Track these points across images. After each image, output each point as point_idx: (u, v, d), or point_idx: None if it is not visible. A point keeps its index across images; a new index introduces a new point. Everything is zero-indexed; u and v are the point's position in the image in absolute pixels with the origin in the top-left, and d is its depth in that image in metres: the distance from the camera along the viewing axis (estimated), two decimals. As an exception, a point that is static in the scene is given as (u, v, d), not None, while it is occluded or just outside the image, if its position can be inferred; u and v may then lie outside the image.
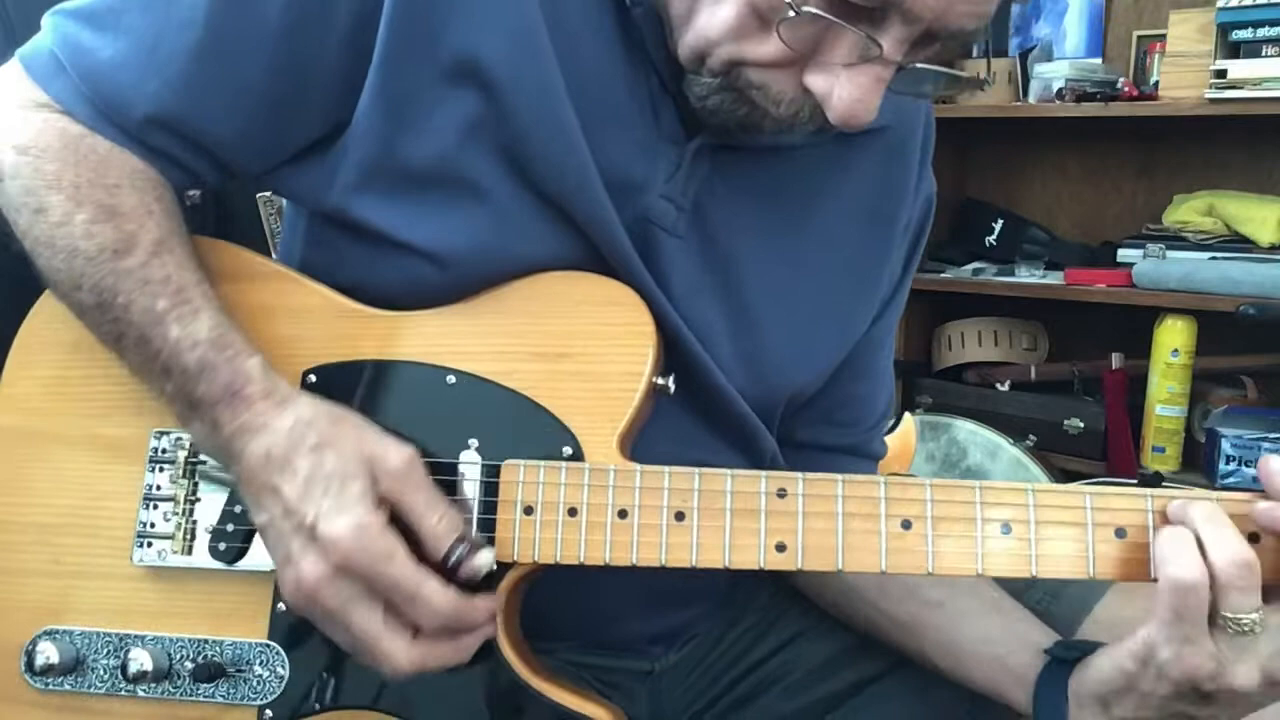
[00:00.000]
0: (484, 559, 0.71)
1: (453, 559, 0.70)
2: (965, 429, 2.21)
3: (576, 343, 0.77)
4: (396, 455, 0.70)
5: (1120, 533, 0.70)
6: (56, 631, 0.77)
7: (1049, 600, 0.87)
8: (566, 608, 0.82)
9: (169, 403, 0.75)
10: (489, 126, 0.78)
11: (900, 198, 0.94)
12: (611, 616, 0.89)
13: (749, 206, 0.86)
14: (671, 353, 0.80)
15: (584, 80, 0.78)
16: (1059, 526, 0.70)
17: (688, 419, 0.83)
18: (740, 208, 0.86)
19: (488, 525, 0.74)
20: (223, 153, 0.81)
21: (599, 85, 0.79)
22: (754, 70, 0.74)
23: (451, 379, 0.77)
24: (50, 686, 0.76)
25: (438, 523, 0.70)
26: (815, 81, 0.72)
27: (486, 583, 0.72)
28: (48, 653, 0.76)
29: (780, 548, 0.71)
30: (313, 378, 0.78)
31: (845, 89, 0.71)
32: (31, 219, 0.77)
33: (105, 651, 0.76)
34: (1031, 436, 2.28)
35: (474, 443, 0.75)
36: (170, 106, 0.78)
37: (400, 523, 0.70)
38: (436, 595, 0.68)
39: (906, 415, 2.06)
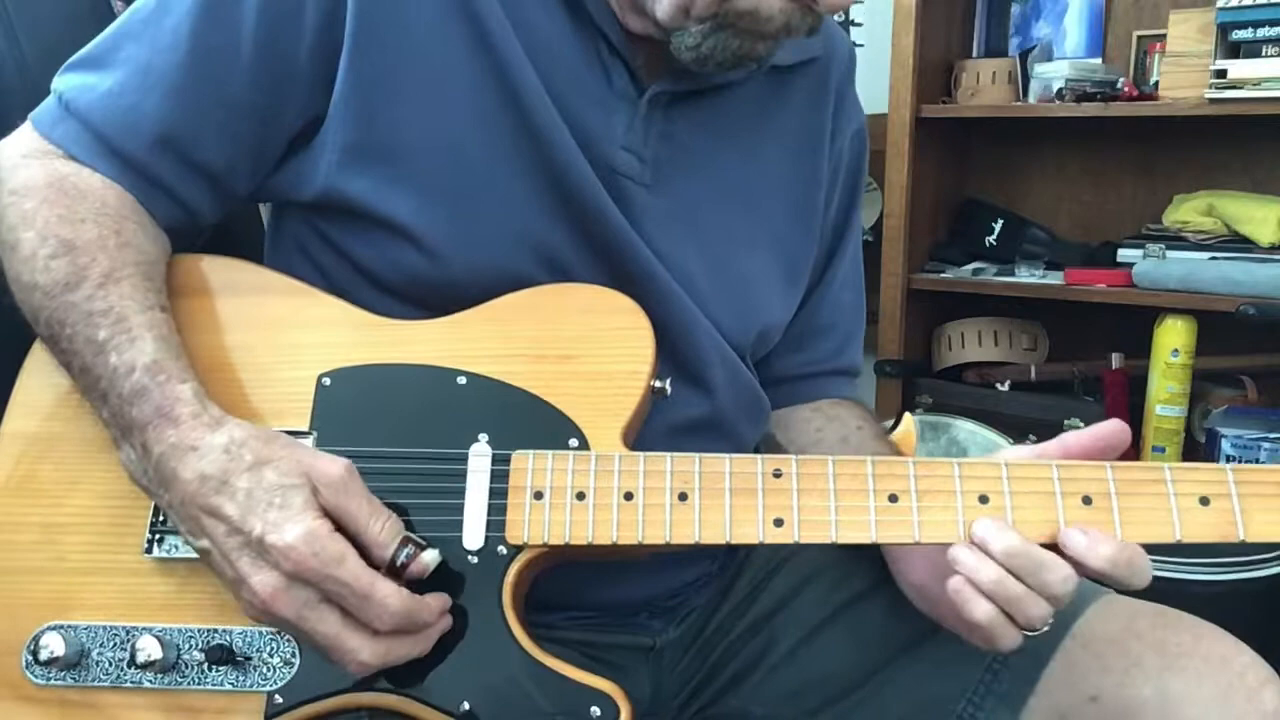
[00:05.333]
0: (430, 556, 0.73)
1: (400, 559, 0.72)
2: (965, 429, 2.21)
3: (581, 346, 0.81)
4: (334, 466, 0.72)
5: (1087, 500, 0.74)
6: (62, 625, 0.77)
7: (991, 677, 0.90)
8: (567, 574, 0.83)
9: (107, 427, 0.77)
10: (463, 95, 0.82)
11: (822, 124, 1.00)
12: (611, 581, 0.91)
13: (702, 149, 0.92)
14: (651, 298, 0.84)
15: (538, 50, 0.83)
16: (1031, 496, 0.75)
17: (677, 381, 0.85)
18: (695, 151, 0.91)
19: (498, 510, 0.77)
20: (217, 170, 0.84)
21: (552, 54, 0.84)
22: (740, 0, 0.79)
23: (462, 380, 0.80)
24: (51, 681, 0.77)
25: (381, 529, 0.72)
26: None
27: (455, 568, 0.75)
28: (52, 645, 0.76)
29: (778, 522, 0.75)
30: (327, 380, 0.81)
31: None
32: (9, 257, 0.79)
33: (111, 644, 0.77)
34: (1031, 436, 2.25)
35: (484, 436, 0.78)
36: (164, 124, 0.82)
37: (343, 534, 0.71)
38: (390, 596, 0.70)
39: (906, 415, 2.05)
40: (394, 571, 0.72)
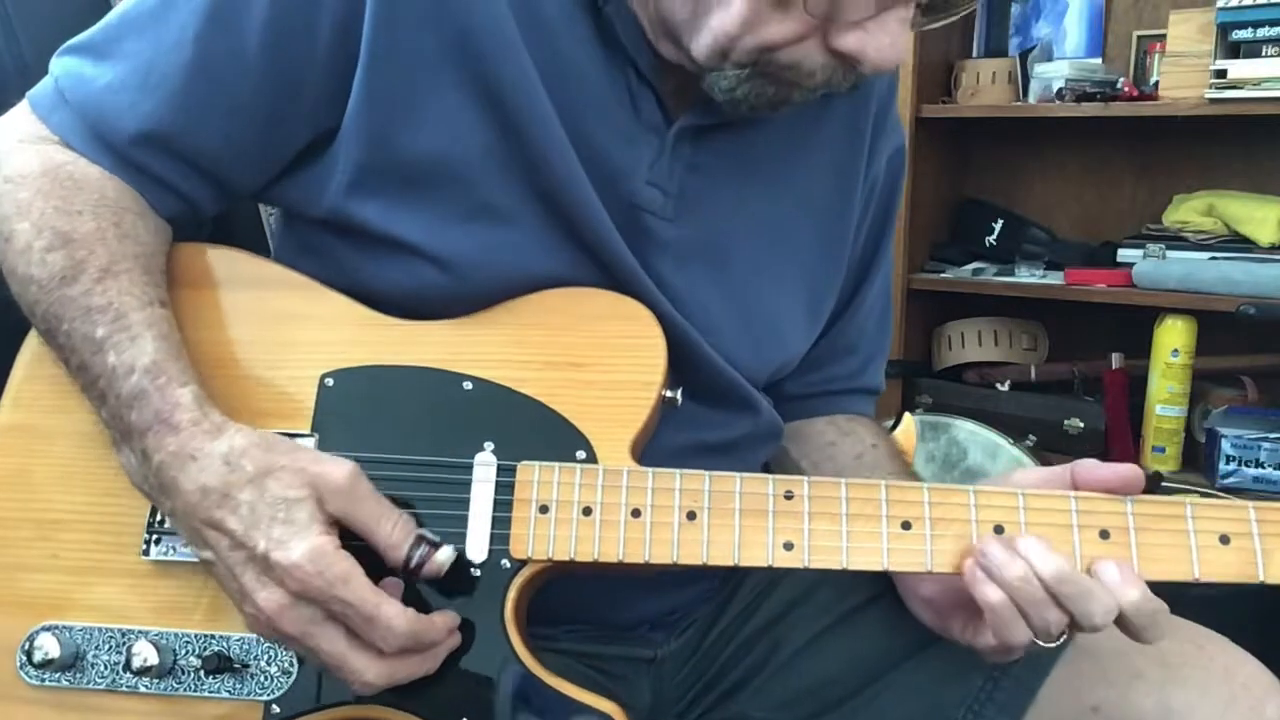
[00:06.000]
0: (445, 555, 0.72)
1: (414, 560, 0.71)
2: (965, 429, 2.21)
3: (591, 353, 0.79)
4: (339, 471, 0.71)
5: (1104, 534, 0.73)
6: (57, 626, 0.77)
7: (992, 685, 0.89)
8: (569, 589, 0.82)
9: (105, 429, 0.76)
10: (475, 123, 0.80)
11: (859, 148, 0.97)
12: (613, 598, 0.90)
13: (732, 180, 0.89)
14: (668, 338, 0.82)
15: (562, 75, 0.81)
16: (1048, 529, 0.73)
17: (689, 402, 0.84)
18: (724, 183, 0.89)
19: (503, 523, 0.75)
20: (219, 169, 0.83)
21: (577, 80, 0.82)
22: (782, 52, 0.76)
23: (468, 385, 0.79)
24: (46, 682, 0.76)
25: (392, 530, 0.71)
26: (846, 42, 0.75)
27: (456, 580, 0.74)
28: (47, 647, 0.75)
29: (788, 546, 0.74)
30: (330, 381, 0.79)
31: (877, 39, 0.74)
32: (3, 248, 0.78)
33: (107, 647, 0.76)
34: (1031, 436, 2.27)
35: (489, 445, 0.77)
36: (163, 124, 0.80)
37: (354, 540, 0.70)
38: (395, 618, 0.69)
39: (906, 415, 2.05)
40: (409, 572, 0.71)
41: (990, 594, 0.71)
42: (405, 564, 0.71)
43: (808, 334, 0.98)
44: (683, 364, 0.85)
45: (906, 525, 0.74)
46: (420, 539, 0.72)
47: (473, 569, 0.75)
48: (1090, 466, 0.75)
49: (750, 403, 0.92)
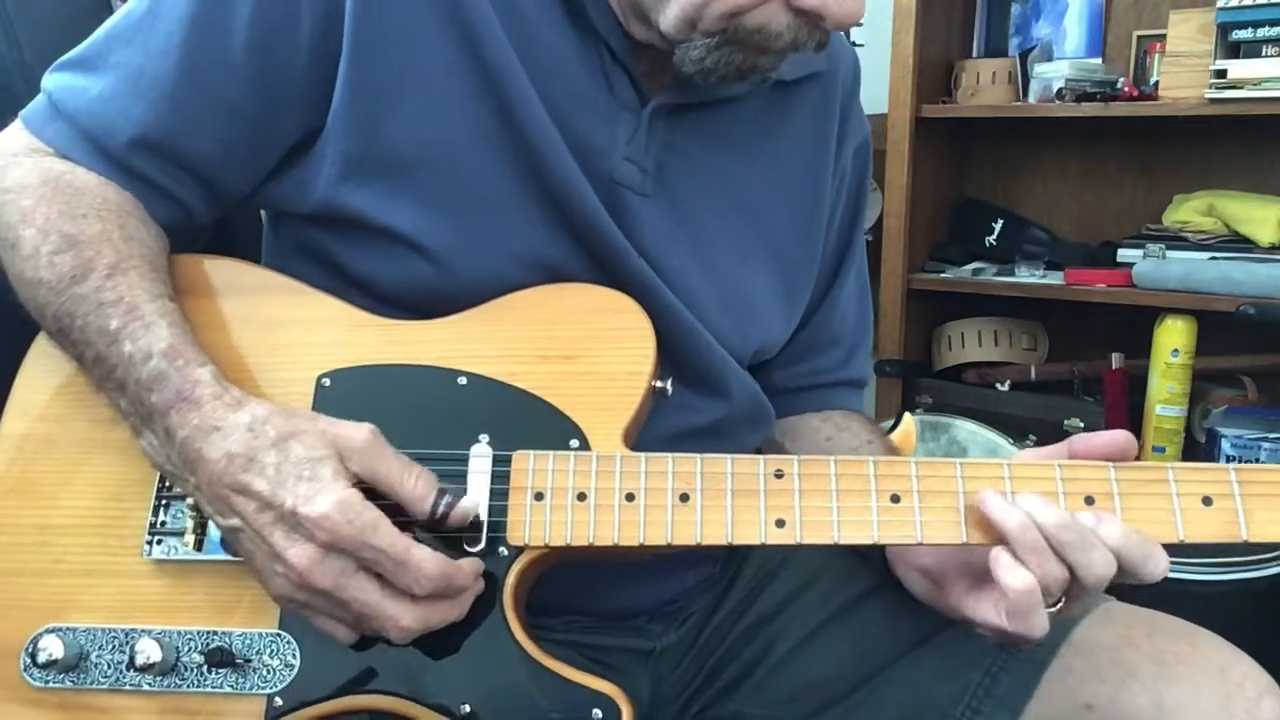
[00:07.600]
0: (469, 502, 0.74)
1: (440, 510, 0.73)
2: (965, 429, 2.21)
3: (581, 346, 0.81)
4: (359, 432, 0.73)
5: (1089, 500, 0.74)
6: (61, 628, 0.77)
7: (990, 681, 0.89)
8: (567, 580, 0.83)
9: (125, 417, 0.77)
10: (466, 105, 0.82)
11: (827, 140, 0.99)
12: (611, 588, 0.91)
13: (706, 160, 0.91)
14: (648, 309, 0.83)
15: (539, 59, 0.83)
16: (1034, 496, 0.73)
17: (679, 386, 0.85)
18: (698, 162, 0.91)
19: (499, 511, 0.76)
20: (211, 172, 0.84)
21: (554, 63, 0.84)
22: (749, 16, 0.79)
23: (463, 380, 0.80)
24: (50, 683, 0.77)
25: (415, 483, 0.73)
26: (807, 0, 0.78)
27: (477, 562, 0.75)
28: (51, 648, 0.76)
29: (780, 523, 0.75)
30: (327, 381, 0.81)
31: None
32: (9, 255, 0.79)
33: (110, 647, 0.77)
34: (1031, 436, 2.27)
35: (485, 437, 0.78)
36: (155, 128, 0.82)
37: (376, 497, 0.72)
38: (426, 560, 0.70)
39: (906, 415, 2.05)
40: (434, 524, 0.73)
41: (1010, 520, 0.71)
42: (431, 514, 0.73)
43: (785, 317, 0.99)
44: (673, 342, 0.86)
45: (895, 498, 0.75)
46: (443, 491, 0.74)
47: (471, 557, 0.75)
48: (1085, 436, 0.76)
49: (736, 380, 0.93)
